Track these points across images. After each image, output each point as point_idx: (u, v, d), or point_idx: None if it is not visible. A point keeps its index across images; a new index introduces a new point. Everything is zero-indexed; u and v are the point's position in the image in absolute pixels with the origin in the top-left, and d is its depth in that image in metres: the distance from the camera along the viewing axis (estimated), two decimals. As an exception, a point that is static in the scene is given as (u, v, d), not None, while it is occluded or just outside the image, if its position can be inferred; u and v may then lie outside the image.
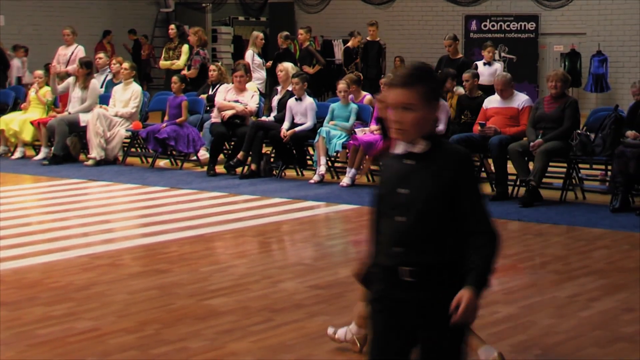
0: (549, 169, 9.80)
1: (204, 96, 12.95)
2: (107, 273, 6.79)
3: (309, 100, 11.54)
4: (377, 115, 10.35)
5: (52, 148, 12.93)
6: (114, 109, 12.87)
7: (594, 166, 10.21)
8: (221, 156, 12.12)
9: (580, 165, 10.11)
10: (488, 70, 13.56)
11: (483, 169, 10.65)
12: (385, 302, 3.17)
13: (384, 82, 10.24)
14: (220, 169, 11.80)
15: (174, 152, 12.50)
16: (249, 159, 11.56)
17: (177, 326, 5.46)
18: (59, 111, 13.52)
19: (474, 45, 20.84)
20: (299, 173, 11.74)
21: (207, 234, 8.26)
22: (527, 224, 8.73)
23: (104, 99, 13.25)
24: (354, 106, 11.28)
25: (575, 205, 9.67)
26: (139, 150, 13.22)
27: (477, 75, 11.28)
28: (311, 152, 11.59)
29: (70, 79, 13.52)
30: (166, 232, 8.30)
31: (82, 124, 12.83)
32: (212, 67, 13.26)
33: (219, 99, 12.11)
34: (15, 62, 18.06)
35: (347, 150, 11.11)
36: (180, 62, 14.36)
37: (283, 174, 11.59)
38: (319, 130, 11.14)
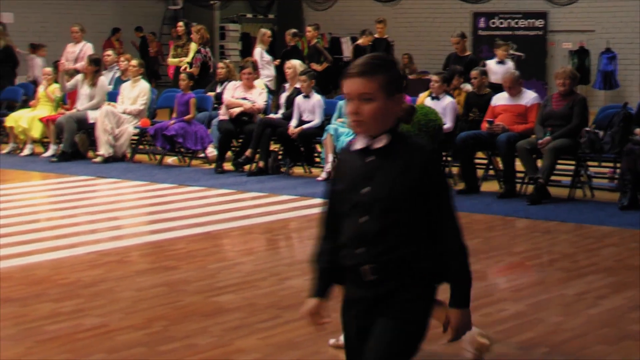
0: (557, 166, 9.78)
1: (212, 94, 12.96)
2: (115, 270, 6.80)
3: (316, 98, 11.54)
4: None
5: (61, 145, 12.96)
6: (122, 106, 12.89)
7: (603, 164, 10.18)
8: (229, 153, 12.12)
9: (589, 163, 10.08)
10: (501, 69, 13.50)
11: (491, 167, 10.64)
12: (351, 304, 3.07)
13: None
14: (228, 166, 11.82)
15: (182, 150, 12.51)
16: (257, 156, 11.57)
17: (185, 323, 5.47)
18: (68, 108, 13.55)
19: (482, 43, 20.81)
20: (307, 170, 11.74)
21: (215, 231, 8.27)
22: (535, 222, 8.72)
23: (112, 96, 13.28)
24: (361, 103, 11.25)
25: (583, 202, 9.65)
26: (147, 147, 13.24)
27: (485, 73, 11.26)
28: (319, 149, 11.59)
29: (79, 76, 13.54)
30: (174, 229, 8.31)
31: (91, 121, 12.86)
32: (220, 64, 13.28)
33: (226, 96, 12.11)
34: (37, 61, 18.11)
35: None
36: (189, 60, 14.38)
37: (291, 171, 11.60)
38: (326, 128, 11.14)
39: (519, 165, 9.95)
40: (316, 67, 15.32)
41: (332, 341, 5.02)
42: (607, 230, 8.31)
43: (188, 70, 13.91)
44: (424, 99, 10.91)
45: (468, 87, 11.51)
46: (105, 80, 13.57)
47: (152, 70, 22.03)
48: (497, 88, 11.01)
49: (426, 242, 2.99)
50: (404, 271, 2.97)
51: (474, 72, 11.07)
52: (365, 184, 2.98)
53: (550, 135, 9.62)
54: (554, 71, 14.62)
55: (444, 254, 3.00)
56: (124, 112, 12.82)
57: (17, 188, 10.72)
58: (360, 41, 16.98)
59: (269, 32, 15.51)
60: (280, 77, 14.46)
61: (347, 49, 22.23)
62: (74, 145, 12.94)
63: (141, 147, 13.23)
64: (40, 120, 13.35)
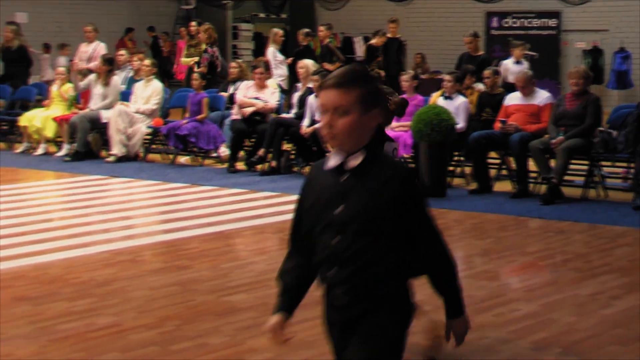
0: (571, 166, 9.75)
1: (224, 94, 12.98)
2: (127, 269, 6.82)
3: (329, 97, 11.51)
4: None
5: (74, 144, 13.00)
6: (135, 105, 12.93)
7: (616, 163, 10.15)
8: (242, 153, 12.14)
9: (602, 163, 10.05)
10: (518, 68, 13.48)
11: (504, 166, 10.61)
12: (329, 325, 3.00)
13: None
14: (240, 165, 11.83)
15: (195, 149, 12.53)
16: (270, 155, 11.57)
17: (197, 322, 5.48)
18: (81, 108, 13.60)
19: (495, 42, 20.77)
20: (319, 170, 11.72)
21: (227, 231, 8.28)
22: (548, 222, 8.69)
23: (125, 96, 13.31)
24: (374, 103, 11.25)
25: (596, 203, 9.62)
26: (159, 146, 13.27)
27: (497, 72, 11.24)
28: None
29: (92, 76, 13.59)
30: (186, 228, 8.32)
31: (104, 121, 12.89)
32: (232, 64, 13.29)
33: (239, 96, 12.13)
34: (61, 60, 18.18)
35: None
36: (196, 59, 14.39)
37: (303, 170, 11.60)
38: (339, 127, 11.12)
39: (531, 165, 9.93)
40: (328, 66, 15.30)
41: None
42: (621, 230, 8.28)
43: (196, 69, 13.92)
44: (437, 99, 10.90)
45: (480, 86, 11.49)
46: (118, 79, 13.61)
47: (165, 70, 22.08)
48: (514, 87, 10.97)
49: (401, 261, 2.88)
50: (377, 292, 2.86)
51: (486, 72, 11.05)
52: (339, 203, 2.85)
53: (564, 135, 9.59)
54: (567, 71, 14.58)
55: (433, 271, 2.94)
56: (136, 112, 12.85)
57: (31, 187, 10.76)
58: (373, 41, 16.96)
59: (281, 32, 15.52)
60: (293, 76, 14.47)
61: (359, 49, 22.23)
62: (87, 144, 12.98)
63: (154, 146, 13.26)
64: (54, 119, 13.40)
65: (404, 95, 11.31)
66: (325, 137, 2.86)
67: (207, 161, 12.58)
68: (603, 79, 20.52)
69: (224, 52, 22.29)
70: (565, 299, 6.08)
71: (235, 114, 12.12)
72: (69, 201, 10.14)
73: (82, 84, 13.73)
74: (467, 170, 10.73)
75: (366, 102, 2.82)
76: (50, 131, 13.48)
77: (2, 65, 16.12)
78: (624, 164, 10.19)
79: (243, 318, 5.57)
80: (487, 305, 5.79)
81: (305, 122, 11.43)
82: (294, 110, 11.98)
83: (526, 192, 9.86)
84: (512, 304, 5.86)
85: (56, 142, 13.71)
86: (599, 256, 7.32)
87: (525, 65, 13.86)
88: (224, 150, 12.40)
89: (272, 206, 9.50)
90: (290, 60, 15.48)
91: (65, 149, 13.23)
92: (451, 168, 10.71)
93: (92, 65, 14.18)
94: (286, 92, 14.14)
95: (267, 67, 12.43)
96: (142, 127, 12.85)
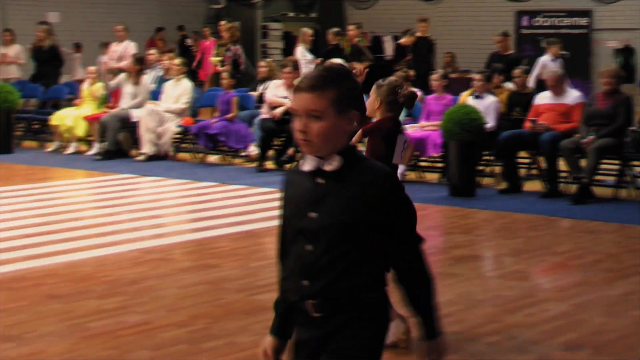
0: (602, 166, 9.68)
1: (254, 93, 13.01)
2: (157, 267, 6.86)
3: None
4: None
5: (105, 143, 13.08)
6: (164, 104, 12.99)
7: (648, 163, 10.07)
8: (271, 152, 12.16)
9: (633, 163, 9.97)
10: (554, 65, 13.46)
11: (534, 166, 10.56)
12: (298, 347, 2.79)
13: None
14: (270, 164, 11.85)
15: (224, 148, 12.57)
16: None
17: (227, 321, 5.50)
18: (111, 107, 13.68)
19: (525, 41, 20.65)
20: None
21: (257, 230, 8.30)
22: (579, 222, 8.64)
23: (155, 95, 13.38)
24: (403, 103, 11.22)
25: (627, 202, 9.55)
26: (189, 145, 13.33)
27: (528, 72, 11.18)
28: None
29: (122, 75, 13.67)
30: (216, 227, 8.35)
31: (134, 120, 12.97)
32: (261, 63, 13.30)
33: (268, 95, 12.15)
34: (104, 59, 18.32)
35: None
36: (220, 58, 14.44)
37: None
38: (368, 127, 11.11)
39: (562, 164, 9.87)
40: (357, 66, 15.28)
41: None
42: (652, 231, 8.21)
43: (219, 68, 13.95)
44: (466, 98, 10.86)
45: (510, 85, 11.44)
46: (148, 79, 13.68)
47: (191, 70, 22.13)
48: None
49: (377, 272, 2.73)
50: (351, 304, 2.69)
51: (516, 71, 11.00)
52: (313, 209, 2.68)
53: (595, 134, 9.52)
54: (598, 70, 14.49)
55: (407, 286, 2.75)
56: (166, 111, 12.91)
57: (62, 186, 10.85)
58: (402, 40, 16.93)
59: (310, 31, 15.53)
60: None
61: (388, 48, 22.18)
62: (117, 143, 13.06)
63: (184, 145, 13.32)
64: (85, 118, 13.49)
65: (434, 95, 11.29)
66: (299, 142, 2.70)
67: (236, 160, 12.62)
68: (634, 78, 20.34)
69: (254, 51, 22.36)
70: (596, 300, 6.04)
71: (264, 113, 12.14)
72: (99, 200, 10.21)
73: (113, 83, 13.82)
74: (497, 169, 10.69)
75: (341, 104, 2.66)
76: (81, 130, 13.58)
77: (34, 64, 16.27)
78: (656, 164, 10.11)
79: (272, 317, 5.56)
80: (517, 305, 5.76)
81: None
82: (323, 110, 11.97)
83: (556, 191, 9.81)
84: (543, 304, 5.83)
85: (87, 141, 13.80)
86: (630, 256, 7.26)
87: (560, 62, 13.83)
88: (254, 149, 12.42)
89: (301, 205, 9.49)
90: (319, 59, 15.48)
91: (95, 148, 13.32)
92: (481, 167, 10.67)
93: (123, 64, 14.26)
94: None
95: (295, 66, 12.44)
96: (172, 126, 12.92)
